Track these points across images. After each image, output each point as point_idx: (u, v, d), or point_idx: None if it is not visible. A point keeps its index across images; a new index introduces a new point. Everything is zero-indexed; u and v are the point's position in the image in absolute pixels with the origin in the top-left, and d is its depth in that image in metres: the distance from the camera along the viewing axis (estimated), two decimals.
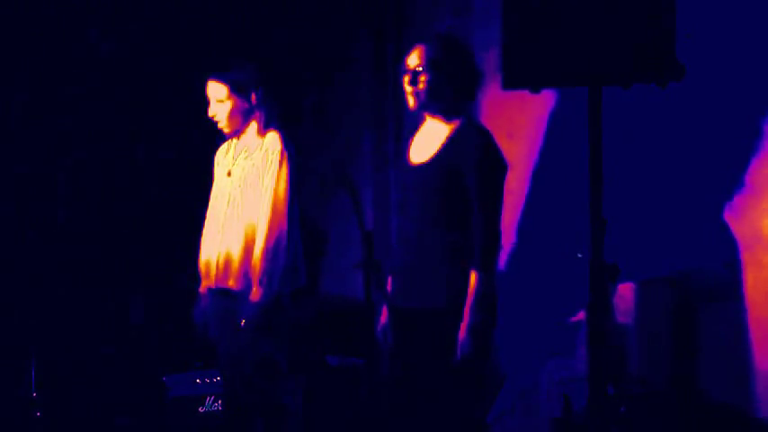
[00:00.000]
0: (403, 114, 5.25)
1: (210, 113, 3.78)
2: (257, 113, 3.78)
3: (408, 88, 3.33)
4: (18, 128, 4.77)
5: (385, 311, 3.44)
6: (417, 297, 3.30)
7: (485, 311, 3.20)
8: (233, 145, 3.88)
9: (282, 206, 3.68)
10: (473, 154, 3.23)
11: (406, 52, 3.37)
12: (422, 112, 3.38)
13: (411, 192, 3.36)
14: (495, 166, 3.26)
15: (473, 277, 3.20)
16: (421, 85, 3.30)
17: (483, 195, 3.22)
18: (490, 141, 3.28)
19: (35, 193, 4.83)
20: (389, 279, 3.45)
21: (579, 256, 4.11)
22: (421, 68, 3.30)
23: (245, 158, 3.79)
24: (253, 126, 3.80)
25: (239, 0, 5.24)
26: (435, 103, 3.33)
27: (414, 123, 4.65)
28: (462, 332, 3.19)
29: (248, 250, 3.71)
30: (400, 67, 3.38)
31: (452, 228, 3.25)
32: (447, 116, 3.34)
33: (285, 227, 3.67)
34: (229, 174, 3.83)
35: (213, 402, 4.46)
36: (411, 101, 3.35)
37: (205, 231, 3.87)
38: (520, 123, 4.49)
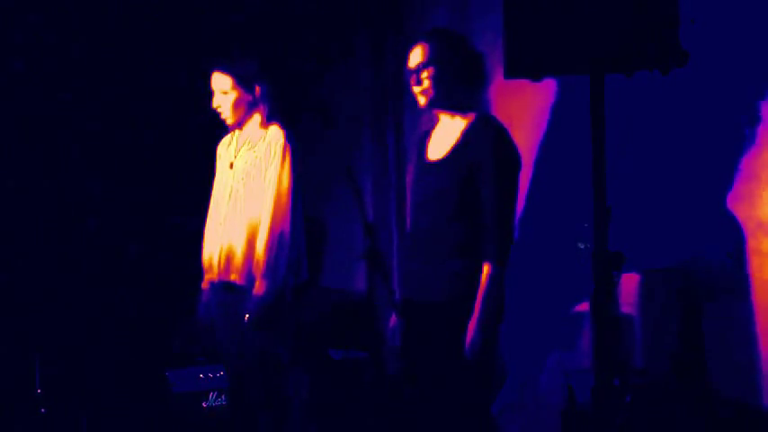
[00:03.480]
0: (402, 108, 5.24)
1: (214, 105, 3.78)
2: (261, 106, 3.78)
3: (416, 89, 3.36)
4: (17, 119, 4.76)
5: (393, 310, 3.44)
6: (430, 290, 3.31)
7: (495, 304, 3.22)
8: (235, 137, 3.88)
9: (286, 199, 3.67)
10: (488, 149, 3.24)
11: (406, 55, 3.38)
12: (433, 109, 3.39)
13: (427, 188, 3.37)
14: (510, 161, 3.27)
15: (485, 270, 3.22)
16: (426, 82, 3.32)
17: (497, 190, 3.23)
18: (505, 136, 3.29)
19: (35, 190, 4.82)
20: (400, 275, 3.46)
21: (581, 246, 4.09)
22: (422, 65, 3.30)
23: (248, 151, 3.78)
24: (256, 119, 3.80)
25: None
26: (444, 97, 3.34)
27: (414, 118, 4.64)
28: (472, 324, 3.20)
29: (251, 244, 3.70)
30: (404, 71, 3.39)
31: (467, 223, 3.27)
32: (459, 110, 3.35)
33: (288, 220, 3.66)
34: (231, 166, 3.82)
35: (216, 397, 4.46)
36: (421, 100, 3.37)
37: (207, 225, 3.87)
38: (521, 113, 4.48)
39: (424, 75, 3.32)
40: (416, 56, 3.34)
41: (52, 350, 4.60)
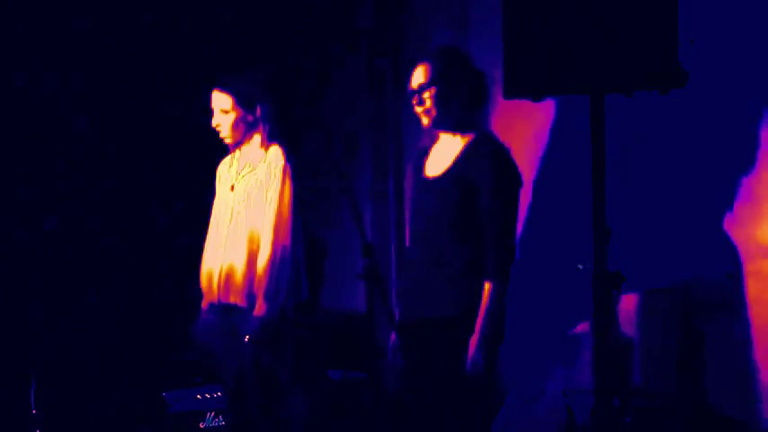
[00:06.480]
0: (402, 126, 5.25)
1: (214, 124, 3.77)
2: (261, 126, 3.77)
3: (418, 109, 3.37)
4: (20, 136, 4.75)
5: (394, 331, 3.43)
6: (430, 307, 3.31)
7: (496, 322, 3.22)
8: (236, 158, 3.87)
9: (286, 221, 3.67)
10: (487, 167, 3.25)
11: (408, 75, 3.39)
12: (436, 129, 3.39)
13: (425, 204, 3.37)
14: (510, 179, 3.28)
15: (487, 288, 3.22)
16: (428, 102, 3.33)
17: (498, 208, 3.24)
18: (505, 155, 3.30)
19: (34, 208, 4.81)
20: (398, 292, 3.46)
21: (580, 267, 4.09)
22: (425, 85, 3.31)
23: (249, 173, 3.77)
24: (256, 139, 3.79)
25: (237, 14, 5.25)
26: (446, 117, 3.35)
27: (414, 137, 4.63)
28: (474, 342, 3.20)
29: (251, 265, 3.69)
30: (406, 90, 3.40)
31: (466, 239, 3.27)
32: (460, 129, 3.35)
33: (289, 241, 3.66)
34: (233, 188, 3.81)
35: (214, 418, 4.43)
36: (424, 120, 3.38)
37: (207, 246, 3.85)
38: (522, 132, 4.49)
39: (426, 95, 3.32)
40: (419, 76, 3.34)
41: (48, 370, 4.58)
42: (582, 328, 4.40)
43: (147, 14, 5.01)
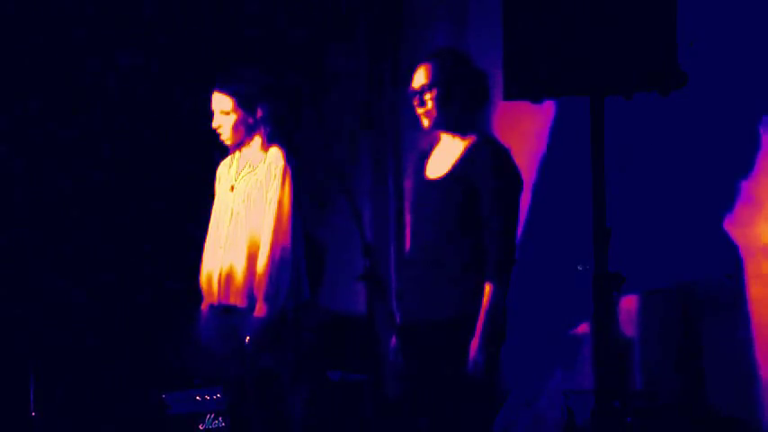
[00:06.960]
0: (401, 127, 5.25)
1: (214, 125, 3.76)
2: (262, 128, 3.76)
3: (419, 110, 3.36)
4: (20, 136, 4.75)
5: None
6: (430, 308, 3.30)
7: (497, 323, 3.21)
8: (236, 159, 3.86)
9: (286, 221, 3.67)
10: (488, 170, 3.25)
11: (410, 75, 3.39)
12: (436, 130, 3.39)
13: (426, 206, 3.37)
14: (511, 181, 3.28)
15: (487, 290, 3.21)
16: (429, 103, 3.32)
17: (498, 210, 3.23)
18: (506, 157, 3.29)
19: (33, 210, 4.80)
20: (398, 293, 3.46)
21: (580, 268, 4.09)
22: (426, 87, 3.31)
23: (249, 173, 3.77)
24: (256, 140, 3.79)
25: (235, 15, 5.25)
26: (448, 118, 3.34)
27: (413, 137, 4.64)
28: (474, 343, 3.20)
29: (251, 266, 3.68)
30: (407, 91, 3.40)
31: (468, 242, 3.27)
32: (460, 131, 3.35)
33: (289, 242, 3.65)
34: (232, 189, 3.81)
35: (213, 419, 4.43)
36: (425, 121, 3.37)
37: (207, 246, 3.85)
38: (522, 134, 4.49)
39: (428, 96, 3.32)
40: (420, 77, 3.34)
41: (47, 373, 4.57)
42: (582, 328, 4.41)
43: (147, 14, 5.01)
